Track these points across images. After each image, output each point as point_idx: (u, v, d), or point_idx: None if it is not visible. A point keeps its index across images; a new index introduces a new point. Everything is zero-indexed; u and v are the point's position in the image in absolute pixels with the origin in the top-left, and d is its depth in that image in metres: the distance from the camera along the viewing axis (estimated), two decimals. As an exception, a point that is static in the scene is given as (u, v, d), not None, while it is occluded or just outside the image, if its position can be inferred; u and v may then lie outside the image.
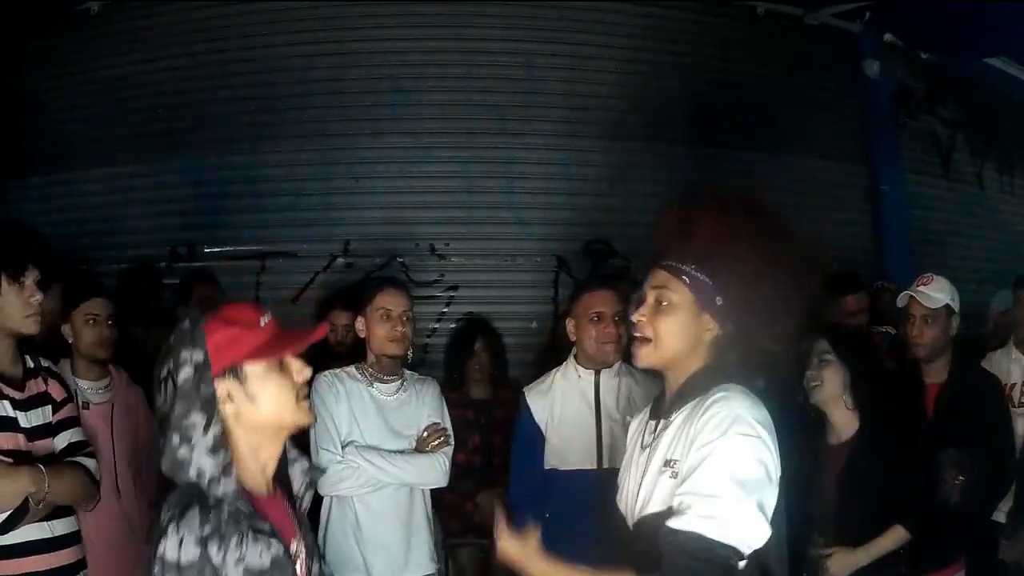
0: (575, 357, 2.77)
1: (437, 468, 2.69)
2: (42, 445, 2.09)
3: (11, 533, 1.97)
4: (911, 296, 2.90)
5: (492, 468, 3.55)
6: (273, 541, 1.33)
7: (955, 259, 5.49)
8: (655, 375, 1.67)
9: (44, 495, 1.98)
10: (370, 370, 2.75)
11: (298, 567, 1.41)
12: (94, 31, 5.09)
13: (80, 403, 2.60)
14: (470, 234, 4.74)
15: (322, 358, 3.06)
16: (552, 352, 3.52)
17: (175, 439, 1.32)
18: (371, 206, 4.72)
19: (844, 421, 2.56)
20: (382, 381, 2.75)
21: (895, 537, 2.45)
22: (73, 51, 5.14)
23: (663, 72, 5.03)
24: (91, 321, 2.83)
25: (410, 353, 2.80)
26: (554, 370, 2.82)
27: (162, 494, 1.35)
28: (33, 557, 2.03)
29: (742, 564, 1.37)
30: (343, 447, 2.63)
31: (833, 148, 5.52)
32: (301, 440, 2.10)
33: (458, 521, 3.62)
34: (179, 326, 1.39)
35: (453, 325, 4.45)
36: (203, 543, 1.25)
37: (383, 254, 4.70)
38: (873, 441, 2.50)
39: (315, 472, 1.59)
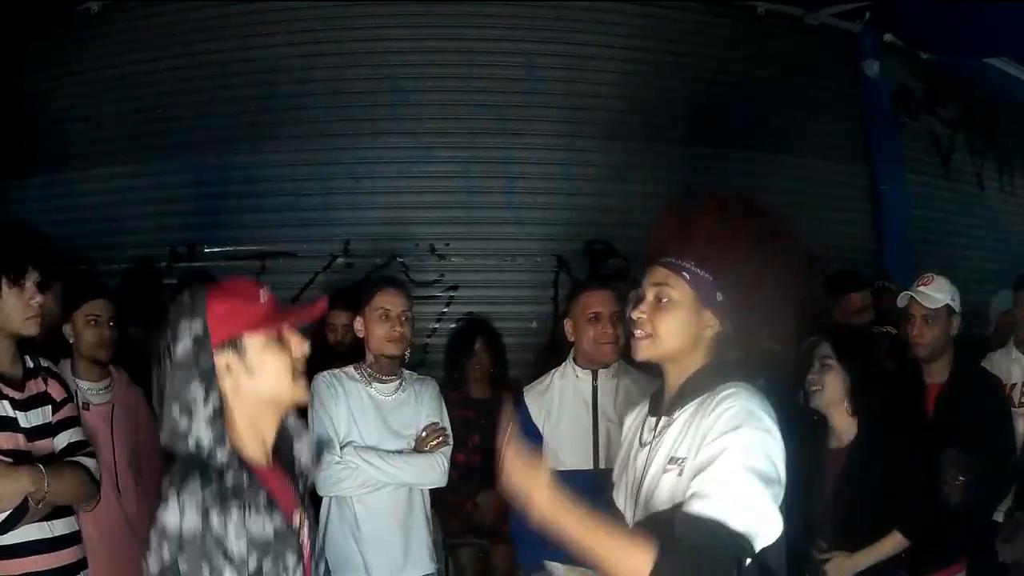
0: (573, 358, 2.77)
1: (436, 468, 2.69)
2: (42, 445, 2.09)
3: (11, 533, 1.97)
4: (911, 296, 2.90)
5: (492, 468, 3.53)
6: (275, 512, 1.33)
7: (955, 259, 5.50)
8: (654, 372, 1.65)
9: (44, 495, 1.98)
10: (369, 370, 2.75)
11: (303, 539, 1.41)
12: (94, 31, 5.10)
13: (80, 403, 2.60)
14: (470, 234, 4.75)
15: (322, 358, 3.06)
16: (552, 352, 3.52)
17: (175, 410, 1.33)
18: (371, 206, 4.73)
19: (844, 425, 2.56)
20: (381, 381, 2.74)
21: (894, 543, 2.44)
22: (73, 51, 5.15)
23: (663, 72, 5.03)
24: (92, 322, 2.83)
25: (407, 353, 2.79)
26: (553, 371, 2.82)
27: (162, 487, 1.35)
28: (33, 557, 2.03)
29: (747, 561, 1.35)
30: (341, 447, 2.62)
31: (833, 148, 5.52)
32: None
33: (458, 521, 3.62)
34: (179, 299, 1.40)
35: (453, 325, 4.45)
36: (204, 512, 1.25)
37: (383, 254, 4.71)
38: (872, 445, 2.49)
39: (324, 445, 1.57)
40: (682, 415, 1.50)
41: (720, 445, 1.37)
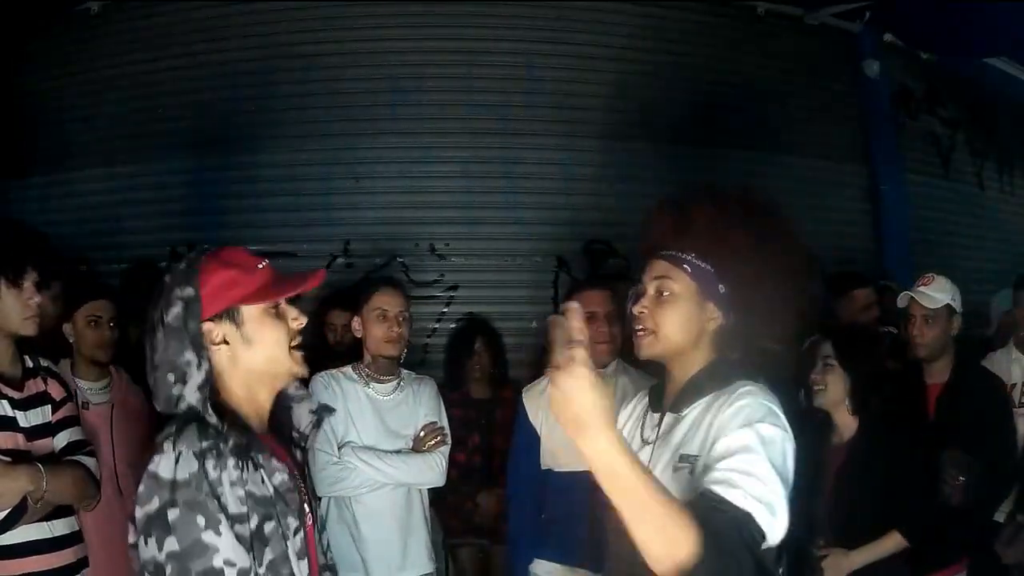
0: None
1: (434, 468, 2.69)
2: (41, 445, 2.09)
3: (11, 533, 1.97)
4: (911, 296, 2.90)
5: (492, 468, 3.55)
6: (276, 470, 1.31)
7: (955, 259, 5.49)
8: (654, 371, 1.62)
9: (42, 494, 1.98)
10: (366, 370, 2.74)
11: (304, 502, 1.39)
12: (94, 31, 5.09)
13: (80, 403, 2.60)
14: (470, 234, 4.74)
15: (321, 358, 3.06)
16: (550, 353, 3.52)
17: (170, 377, 1.31)
18: (371, 206, 4.72)
19: (846, 423, 2.58)
20: (378, 381, 2.74)
21: (893, 542, 2.45)
22: (73, 51, 5.14)
23: (663, 72, 5.03)
24: (93, 323, 2.83)
25: (404, 352, 2.78)
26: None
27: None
28: (33, 557, 2.03)
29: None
30: (339, 448, 2.63)
31: (833, 148, 5.51)
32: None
33: (458, 521, 3.62)
34: (175, 266, 1.38)
35: (453, 325, 4.45)
36: (201, 457, 1.22)
37: (383, 254, 4.70)
38: (873, 445, 2.50)
39: (324, 411, 1.55)
40: (691, 412, 1.46)
41: (743, 437, 1.32)
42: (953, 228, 5.97)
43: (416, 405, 2.76)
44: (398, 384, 2.77)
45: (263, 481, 1.28)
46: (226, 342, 1.34)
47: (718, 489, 1.25)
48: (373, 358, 2.73)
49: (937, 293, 2.87)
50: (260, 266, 1.40)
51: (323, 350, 3.58)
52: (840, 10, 5.52)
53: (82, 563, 2.17)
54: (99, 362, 2.86)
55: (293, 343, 1.40)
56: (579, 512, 2.32)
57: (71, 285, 2.96)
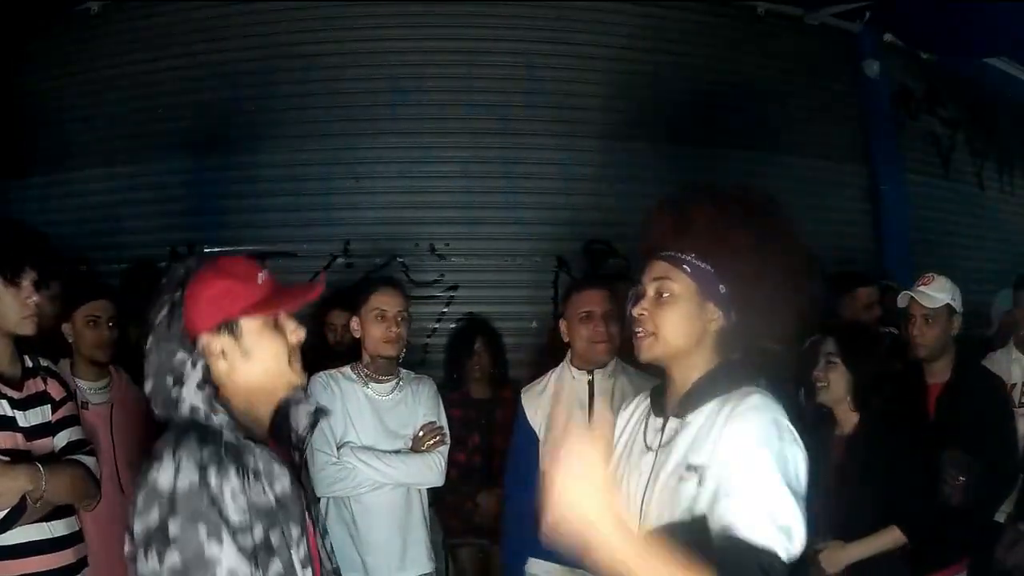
0: (570, 359, 2.75)
1: (433, 468, 2.68)
2: (41, 444, 2.09)
3: (11, 533, 1.97)
4: (911, 296, 2.90)
5: (492, 468, 3.55)
6: (277, 479, 1.28)
7: (955, 259, 5.49)
8: (654, 372, 1.59)
9: (41, 493, 1.97)
10: (365, 370, 2.74)
11: (305, 509, 1.37)
12: (94, 31, 5.10)
13: (79, 403, 2.60)
14: (470, 234, 4.74)
15: (321, 358, 3.06)
16: (549, 353, 3.52)
17: (168, 380, 1.29)
18: (371, 206, 4.73)
19: (847, 418, 2.60)
20: (377, 381, 2.73)
21: (891, 538, 2.44)
22: (73, 51, 5.14)
23: (663, 72, 5.03)
24: (92, 323, 2.83)
25: (403, 352, 2.78)
26: (550, 372, 2.81)
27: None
28: (33, 558, 2.02)
29: None
30: (338, 448, 2.62)
31: (833, 148, 5.52)
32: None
33: (458, 521, 3.62)
34: (172, 270, 1.36)
35: (453, 325, 4.45)
36: (202, 469, 1.18)
37: (383, 254, 4.70)
38: (871, 440, 2.50)
39: (321, 413, 1.52)
40: (696, 419, 1.43)
41: (758, 462, 1.31)
42: (953, 228, 5.97)
43: (415, 405, 2.76)
44: (397, 384, 2.76)
45: (265, 490, 1.25)
46: (224, 356, 1.31)
47: (739, 530, 1.26)
48: (372, 358, 2.72)
49: (937, 293, 2.87)
50: (260, 277, 1.36)
51: (323, 350, 3.58)
52: (840, 10, 5.52)
53: (82, 563, 2.16)
54: (98, 362, 2.86)
55: (292, 356, 1.38)
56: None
57: (70, 285, 2.96)
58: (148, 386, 1.32)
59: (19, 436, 2.04)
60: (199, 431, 1.25)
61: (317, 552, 1.39)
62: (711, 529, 1.31)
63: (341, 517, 2.64)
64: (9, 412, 2.03)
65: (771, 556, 1.24)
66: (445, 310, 4.67)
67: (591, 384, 2.68)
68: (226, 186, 4.79)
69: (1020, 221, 6.56)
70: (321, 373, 2.72)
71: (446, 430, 2.78)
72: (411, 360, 2.97)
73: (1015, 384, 3.24)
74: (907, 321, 2.93)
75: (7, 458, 1.98)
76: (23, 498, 1.96)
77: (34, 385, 2.13)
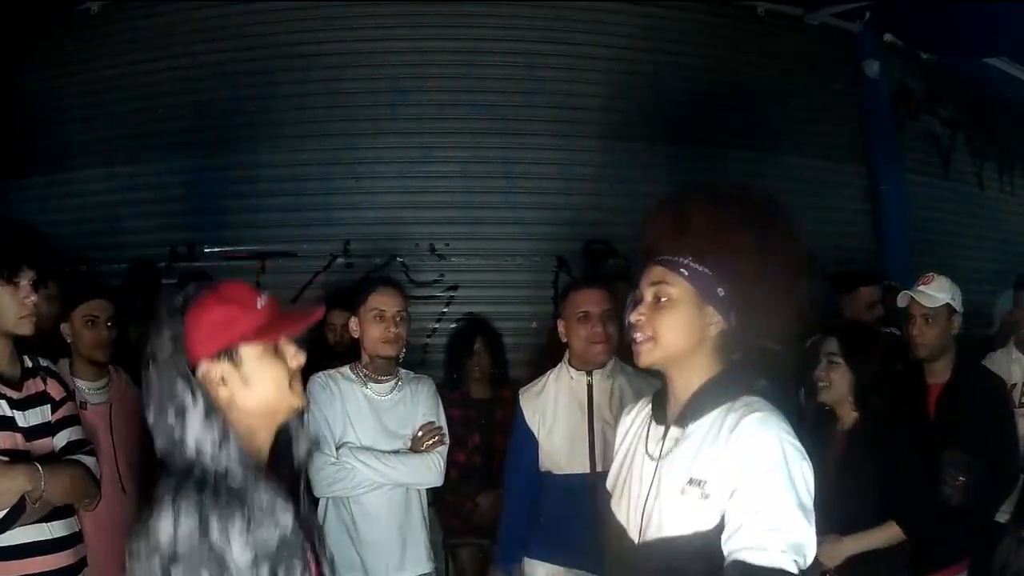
0: (568, 359, 2.74)
1: (432, 468, 2.67)
2: (41, 444, 2.08)
3: (10, 533, 1.97)
4: (911, 296, 2.90)
5: (492, 468, 3.54)
6: (280, 516, 1.26)
7: (955, 259, 5.48)
8: (654, 373, 1.57)
9: (41, 494, 1.97)
10: (364, 370, 2.73)
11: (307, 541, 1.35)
12: (94, 31, 5.10)
13: (78, 403, 2.60)
14: (470, 234, 4.74)
15: (321, 358, 3.06)
16: (549, 353, 3.52)
17: (170, 416, 1.27)
18: (371, 206, 4.73)
19: (848, 419, 2.61)
20: (376, 381, 2.72)
21: (889, 534, 2.44)
22: (73, 51, 5.14)
23: (663, 72, 5.03)
24: (90, 322, 2.83)
25: (402, 353, 2.77)
26: (548, 372, 2.79)
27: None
28: (34, 558, 2.02)
29: None
30: (337, 448, 2.62)
31: (833, 148, 5.52)
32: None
33: (458, 521, 3.62)
34: (172, 300, 1.34)
35: (453, 325, 4.45)
36: (203, 519, 1.16)
37: (383, 254, 4.70)
38: (871, 439, 2.50)
39: (315, 445, 1.49)
40: (697, 430, 1.42)
41: (769, 484, 1.30)
42: (953, 228, 5.97)
43: (414, 405, 2.75)
44: (396, 384, 2.75)
45: (270, 528, 1.23)
46: (224, 384, 1.29)
47: (751, 557, 1.27)
48: (371, 358, 2.72)
49: (937, 292, 2.86)
50: (260, 302, 1.33)
51: (323, 350, 3.58)
52: (840, 10, 5.52)
53: (82, 563, 2.16)
54: (97, 362, 2.86)
55: (293, 380, 1.36)
56: (579, 514, 2.32)
57: (68, 285, 2.95)
58: (150, 417, 1.30)
59: (19, 436, 2.04)
60: (200, 474, 1.22)
61: None
62: (723, 555, 1.31)
63: (340, 517, 2.63)
64: (8, 412, 2.02)
65: (782, 574, 1.25)
66: (445, 310, 4.67)
67: (590, 385, 2.67)
68: (226, 186, 4.79)
69: (1020, 221, 6.56)
70: (320, 373, 2.72)
71: (445, 430, 2.77)
72: (411, 360, 2.96)
73: (1015, 384, 3.24)
74: (907, 321, 2.92)
75: (6, 458, 1.98)
76: (22, 498, 1.95)
77: (34, 385, 2.13)
